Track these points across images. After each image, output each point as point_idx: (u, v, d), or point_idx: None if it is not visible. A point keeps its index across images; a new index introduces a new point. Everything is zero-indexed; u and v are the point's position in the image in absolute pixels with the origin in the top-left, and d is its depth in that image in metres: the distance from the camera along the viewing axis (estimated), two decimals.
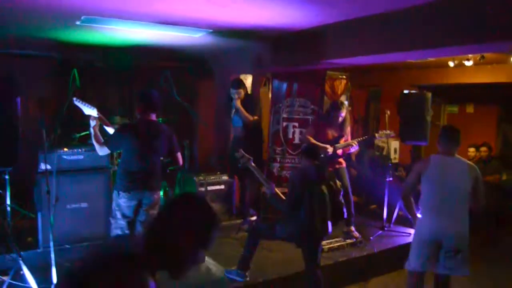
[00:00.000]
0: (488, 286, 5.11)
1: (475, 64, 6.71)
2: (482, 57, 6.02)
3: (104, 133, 4.14)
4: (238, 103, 5.61)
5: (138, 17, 4.40)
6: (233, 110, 5.70)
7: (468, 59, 6.42)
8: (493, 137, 9.98)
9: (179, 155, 4.27)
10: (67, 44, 5.96)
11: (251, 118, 5.64)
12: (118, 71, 6.57)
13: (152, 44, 5.91)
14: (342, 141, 5.45)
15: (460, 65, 6.90)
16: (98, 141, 3.99)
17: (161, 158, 4.21)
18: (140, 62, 6.65)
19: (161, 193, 5.30)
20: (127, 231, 4.07)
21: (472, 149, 7.38)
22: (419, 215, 3.95)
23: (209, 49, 6.44)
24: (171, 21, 4.54)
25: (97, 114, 4.04)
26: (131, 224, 4.07)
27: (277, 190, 4.24)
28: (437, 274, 3.86)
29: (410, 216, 4.20)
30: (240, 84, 5.68)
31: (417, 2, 3.83)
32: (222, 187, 5.83)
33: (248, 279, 4.30)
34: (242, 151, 4.40)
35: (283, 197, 4.20)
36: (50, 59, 6.55)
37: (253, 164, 4.31)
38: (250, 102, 5.77)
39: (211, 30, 5.00)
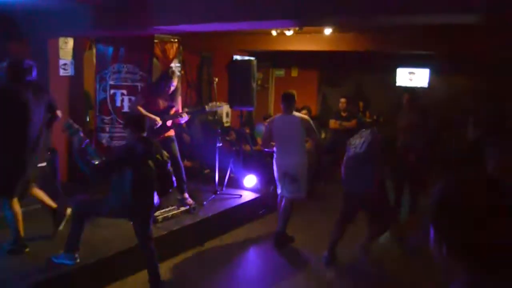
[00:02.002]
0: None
1: (295, 33, 7.22)
2: (300, 28, 6.48)
3: None
4: None
5: None
6: None
7: (288, 29, 6.87)
8: (315, 98, 11.02)
9: None
10: None
11: None
12: None
13: None
14: (172, 111, 5.39)
15: (282, 34, 7.35)
16: None
17: None
18: None
19: None
20: None
21: (305, 111, 7.97)
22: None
23: (20, 8, 5.66)
24: None
25: None
26: None
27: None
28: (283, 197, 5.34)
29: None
30: None
31: None
32: (44, 164, 5.27)
33: (78, 260, 4.07)
34: (71, 121, 3.98)
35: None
36: None
37: (82, 135, 3.87)
38: None
39: None
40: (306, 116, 5.48)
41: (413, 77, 9.38)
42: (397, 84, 9.55)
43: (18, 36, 6.09)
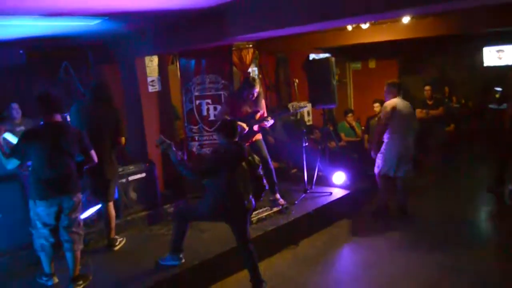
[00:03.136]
0: None
1: (371, 24, 7.08)
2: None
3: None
4: None
5: (23, 11, 4.04)
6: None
7: (364, 22, 6.76)
8: None
9: (92, 152, 4.13)
10: None
11: None
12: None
13: (44, 35, 5.49)
14: (257, 116, 5.52)
15: (357, 27, 7.24)
16: (3, 153, 3.76)
17: (75, 159, 4.04)
18: (32, 55, 6.17)
19: None
20: (51, 239, 3.94)
21: (377, 104, 7.80)
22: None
23: (109, 34, 6.13)
24: (63, 12, 4.24)
25: None
26: (53, 231, 3.93)
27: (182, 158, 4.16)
28: (397, 177, 5.80)
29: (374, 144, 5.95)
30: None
31: None
32: (144, 175, 5.68)
33: (183, 261, 4.33)
34: (162, 137, 4.25)
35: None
36: None
37: (174, 149, 4.10)
38: None
39: (107, 17, 4.75)
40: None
41: (502, 55, 8.80)
42: (485, 64, 9.00)
43: (110, 61, 6.61)
